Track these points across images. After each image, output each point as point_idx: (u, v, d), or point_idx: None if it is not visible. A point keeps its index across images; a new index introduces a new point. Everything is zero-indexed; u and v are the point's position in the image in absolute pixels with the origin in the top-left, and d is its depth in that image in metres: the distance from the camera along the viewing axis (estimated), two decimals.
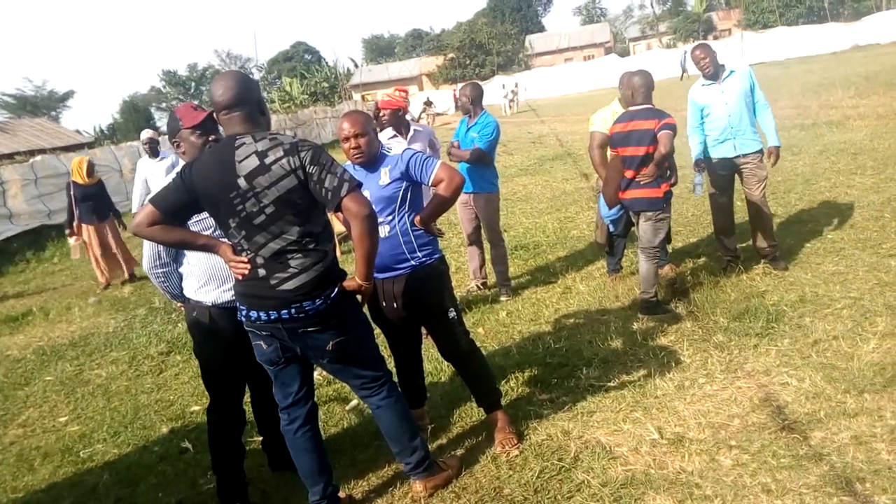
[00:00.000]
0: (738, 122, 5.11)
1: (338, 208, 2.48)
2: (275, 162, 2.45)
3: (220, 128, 2.75)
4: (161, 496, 3.47)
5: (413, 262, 3.15)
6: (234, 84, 2.54)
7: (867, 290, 4.50)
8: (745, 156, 5.15)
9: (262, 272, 2.57)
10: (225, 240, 2.69)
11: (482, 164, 5.35)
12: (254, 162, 2.46)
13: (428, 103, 32.26)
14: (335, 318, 2.64)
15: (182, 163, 7.26)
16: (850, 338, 3.85)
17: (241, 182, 2.47)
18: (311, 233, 2.56)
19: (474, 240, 5.76)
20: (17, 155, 19.86)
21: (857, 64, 24.41)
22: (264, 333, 2.68)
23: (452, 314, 3.26)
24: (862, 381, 3.36)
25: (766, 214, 5.28)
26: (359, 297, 2.74)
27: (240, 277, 2.64)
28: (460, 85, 6.59)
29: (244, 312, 2.67)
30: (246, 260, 2.59)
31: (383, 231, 3.10)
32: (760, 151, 5.17)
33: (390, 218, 3.14)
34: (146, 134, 8.43)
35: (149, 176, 7.99)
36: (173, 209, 2.59)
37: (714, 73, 5.13)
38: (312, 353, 2.72)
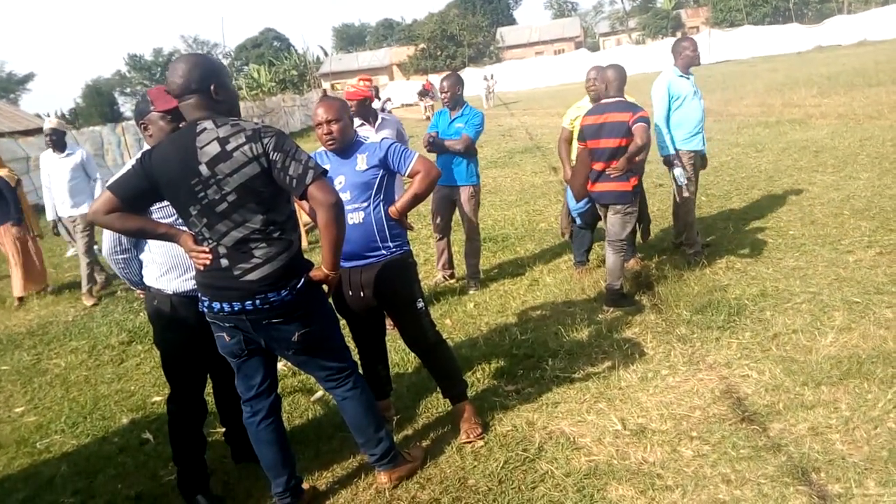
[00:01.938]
0: (704, 118, 5.37)
1: (303, 196, 2.42)
2: (236, 148, 2.38)
3: None
4: (120, 488, 3.40)
5: (384, 252, 3.14)
6: (189, 69, 2.44)
7: (826, 285, 4.60)
8: (701, 151, 5.46)
9: (224, 262, 2.51)
10: (186, 229, 2.63)
11: (469, 155, 5.35)
12: (215, 148, 2.39)
13: (423, 93, 29.65)
14: (301, 310, 2.59)
15: (87, 157, 6.82)
16: (808, 331, 3.94)
17: (203, 169, 2.40)
18: (276, 221, 2.50)
19: (445, 233, 5.75)
20: None
21: (819, 64, 24.97)
22: (227, 325, 2.62)
23: (420, 305, 3.25)
24: (819, 374, 3.44)
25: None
26: (325, 287, 2.71)
27: (201, 268, 2.57)
28: (434, 76, 6.56)
29: (206, 304, 2.60)
30: (207, 250, 2.53)
31: (357, 217, 3.08)
32: None
33: (365, 205, 3.11)
34: (49, 124, 7.03)
35: (52, 172, 6.87)
36: (132, 196, 2.52)
37: (690, 68, 5.37)
38: (277, 345, 2.68)
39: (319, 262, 2.62)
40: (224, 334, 2.67)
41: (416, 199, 3.18)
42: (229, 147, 2.38)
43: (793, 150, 9.35)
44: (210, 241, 2.52)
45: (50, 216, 7.19)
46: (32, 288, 7.58)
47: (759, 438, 2.99)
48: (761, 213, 6.59)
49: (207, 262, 2.53)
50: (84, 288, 7.14)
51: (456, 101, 5.39)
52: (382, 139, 3.22)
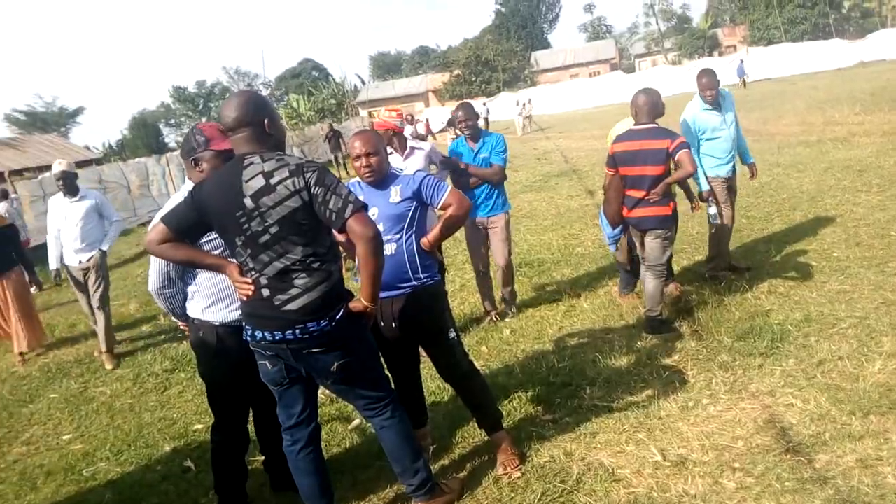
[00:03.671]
0: (736, 145, 5.47)
1: (342, 229, 2.50)
2: (280, 182, 2.48)
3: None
4: None
5: (414, 283, 3.17)
6: (239, 106, 2.58)
7: (873, 309, 4.47)
8: (733, 176, 5.50)
9: (266, 292, 2.59)
10: (233, 260, 2.71)
11: (500, 183, 5.29)
12: (260, 182, 2.49)
13: (452, 122, 23.38)
14: (340, 340, 2.64)
15: (102, 201, 6.74)
16: (855, 358, 3.83)
17: (248, 201, 2.50)
18: (316, 253, 2.58)
19: (484, 268, 5.55)
20: (26, 171, 20.12)
21: (862, 80, 24.44)
22: (269, 353, 2.69)
23: (452, 334, 3.26)
24: (867, 403, 3.33)
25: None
26: (365, 317, 2.74)
27: (244, 298, 2.66)
28: (470, 101, 6.43)
29: (249, 332, 2.69)
30: (250, 281, 2.62)
31: (389, 249, 3.12)
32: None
33: (398, 237, 3.15)
34: (59, 167, 6.29)
35: (63, 216, 6.30)
36: (183, 228, 2.66)
37: (716, 102, 5.30)
38: (317, 374, 2.73)
39: (358, 290, 2.66)
40: (266, 362, 2.74)
41: (448, 231, 3.23)
42: (273, 181, 2.48)
43: (836, 170, 9.14)
44: (254, 272, 2.61)
45: (53, 265, 6.57)
46: (35, 344, 7.11)
47: (804, 470, 2.91)
48: (804, 235, 6.45)
49: (250, 292, 2.62)
50: (103, 346, 6.36)
51: (475, 131, 5.28)
52: (416, 172, 3.28)
